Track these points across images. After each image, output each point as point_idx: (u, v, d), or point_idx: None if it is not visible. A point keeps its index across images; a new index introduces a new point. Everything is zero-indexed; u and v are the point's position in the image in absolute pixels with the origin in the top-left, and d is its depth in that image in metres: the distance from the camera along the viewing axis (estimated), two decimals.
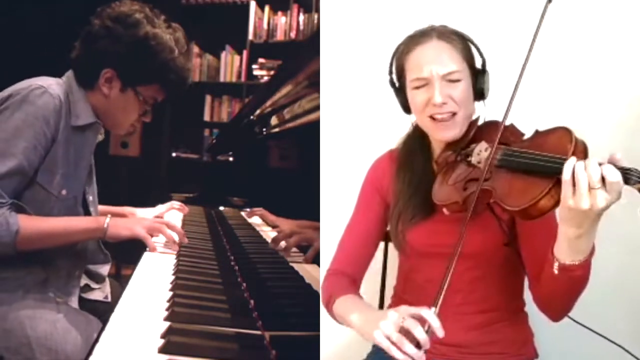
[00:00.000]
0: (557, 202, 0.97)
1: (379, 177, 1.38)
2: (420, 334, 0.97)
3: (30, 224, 1.28)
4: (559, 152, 0.99)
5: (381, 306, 1.62)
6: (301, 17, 4.11)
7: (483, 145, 1.15)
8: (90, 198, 1.49)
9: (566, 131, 1.02)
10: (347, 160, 1.82)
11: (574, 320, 1.15)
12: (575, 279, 1.05)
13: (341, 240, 1.37)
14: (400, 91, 1.28)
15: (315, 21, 3.95)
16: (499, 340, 1.27)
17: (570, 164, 0.95)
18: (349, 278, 1.30)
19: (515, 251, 1.21)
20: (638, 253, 1.66)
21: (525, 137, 1.14)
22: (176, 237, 1.49)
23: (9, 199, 1.26)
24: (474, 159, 1.15)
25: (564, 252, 1.02)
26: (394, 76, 1.29)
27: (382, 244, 1.63)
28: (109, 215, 1.39)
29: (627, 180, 0.92)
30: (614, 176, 0.91)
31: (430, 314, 0.98)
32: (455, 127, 1.21)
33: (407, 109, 1.29)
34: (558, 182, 0.96)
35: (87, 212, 1.48)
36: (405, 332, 0.98)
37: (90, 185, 1.51)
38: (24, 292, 1.31)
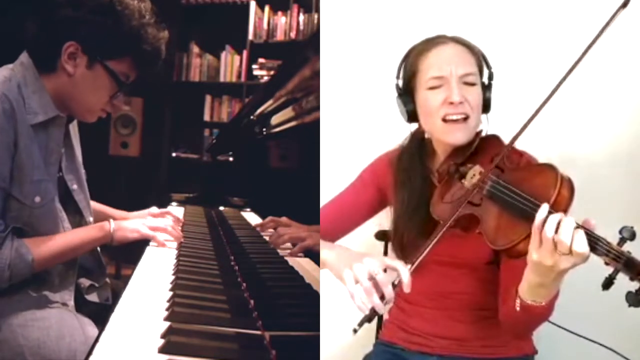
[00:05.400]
0: None
1: (380, 176, 1.38)
2: (389, 292, 0.98)
3: (41, 248, 1.24)
4: (543, 194, 0.98)
5: None
6: (301, 17, 4.11)
7: (477, 169, 1.15)
8: (75, 187, 1.38)
9: (553, 173, 1.01)
10: (347, 160, 1.82)
11: (567, 330, 1.16)
12: (535, 316, 1.06)
13: (321, 209, 1.35)
14: (407, 96, 1.26)
15: (315, 21, 3.96)
16: (498, 335, 1.27)
17: (542, 215, 0.93)
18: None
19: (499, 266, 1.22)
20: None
21: (523, 158, 1.14)
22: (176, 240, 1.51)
23: (4, 223, 1.20)
24: (466, 182, 1.15)
25: (526, 293, 1.03)
26: (401, 81, 1.28)
27: (381, 244, 1.63)
28: (111, 220, 1.36)
29: (594, 250, 0.92)
30: (582, 247, 0.91)
31: (404, 269, 1.00)
32: (467, 130, 1.20)
33: (410, 116, 1.27)
34: None
35: (72, 203, 1.39)
36: (375, 284, 0.99)
37: (73, 173, 1.39)
38: (15, 299, 1.27)
